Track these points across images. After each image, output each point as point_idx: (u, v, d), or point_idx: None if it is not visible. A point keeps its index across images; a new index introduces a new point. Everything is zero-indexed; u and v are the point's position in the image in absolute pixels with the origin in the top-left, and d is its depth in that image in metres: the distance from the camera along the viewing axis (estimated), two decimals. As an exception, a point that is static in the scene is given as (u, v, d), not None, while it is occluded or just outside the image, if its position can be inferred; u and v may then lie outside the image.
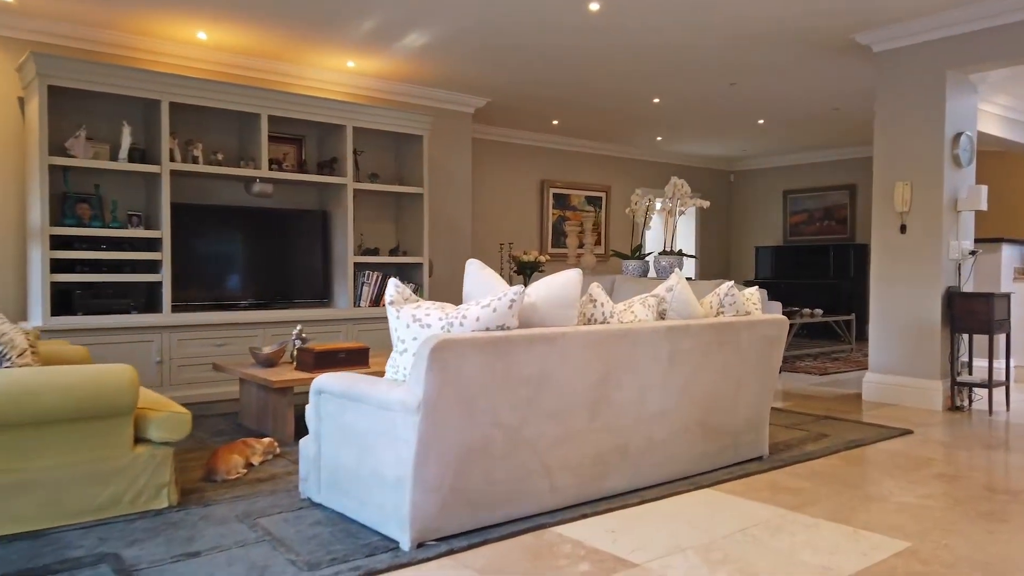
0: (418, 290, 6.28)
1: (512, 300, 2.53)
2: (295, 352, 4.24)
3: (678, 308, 3.25)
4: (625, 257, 6.33)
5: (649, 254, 6.36)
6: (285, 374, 3.96)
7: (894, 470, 3.54)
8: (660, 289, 3.29)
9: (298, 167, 5.89)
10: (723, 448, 3.45)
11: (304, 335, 4.42)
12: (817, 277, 10.25)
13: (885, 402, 5.33)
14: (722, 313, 3.46)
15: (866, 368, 6.94)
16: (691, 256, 6.28)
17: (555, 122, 8.49)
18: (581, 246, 6.88)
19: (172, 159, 5.09)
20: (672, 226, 6.20)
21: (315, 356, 3.96)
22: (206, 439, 4.04)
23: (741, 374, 3.45)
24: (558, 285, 2.76)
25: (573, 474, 2.85)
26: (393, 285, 2.61)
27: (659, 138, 9.55)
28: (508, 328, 2.56)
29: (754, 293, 3.70)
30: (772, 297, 10.98)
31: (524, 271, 7.92)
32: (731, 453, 3.50)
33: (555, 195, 9.64)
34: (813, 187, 10.81)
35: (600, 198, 10.15)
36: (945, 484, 3.31)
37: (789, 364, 7.28)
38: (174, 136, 5.13)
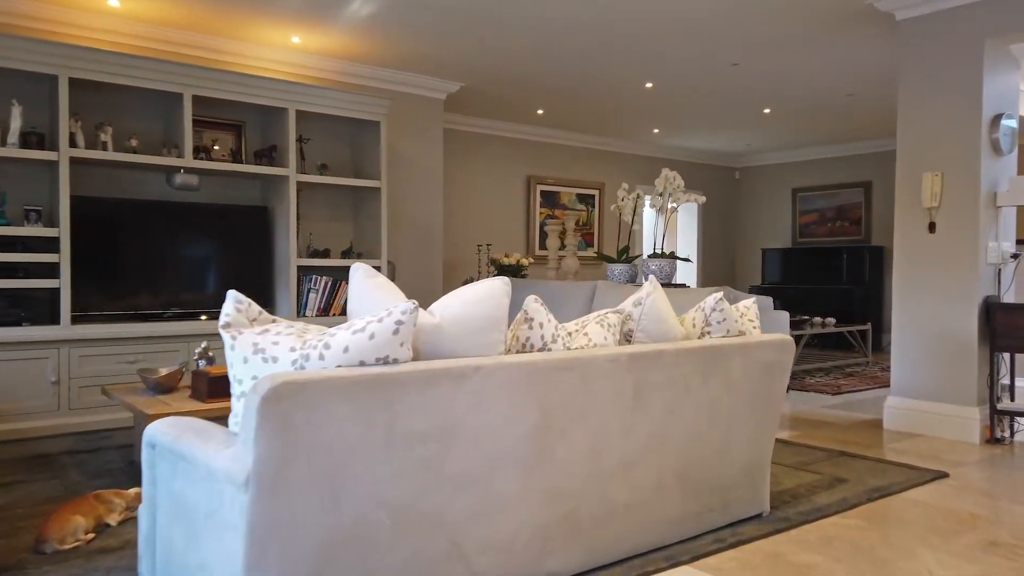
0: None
1: (398, 322, 1.78)
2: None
3: (649, 328, 2.48)
4: (610, 260, 5.57)
5: (636, 257, 5.60)
6: (174, 404, 3.22)
7: (930, 534, 2.77)
8: (627, 303, 2.53)
9: (236, 156, 5.16)
10: (709, 508, 2.68)
11: (211, 353, 3.68)
12: (829, 282, 9.45)
13: (910, 431, 4.54)
14: (708, 334, 2.70)
15: (885, 385, 6.14)
16: (684, 259, 5.51)
17: (540, 111, 7.73)
18: (563, 247, 6.11)
19: (74, 144, 4.36)
20: (663, 224, 5.44)
21: (209, 382, 3.21)
22: (82, 484, 3.30)
23: (733, 412, 2.69)
24: (474, 299, 2.01)
25: (501, 556, 2.09)
26: (232, 301, 1.86)
27: (656, 130, 8.78)
28: (395, 361, 1.81)
29: (750, 307, 2.93)
30: (780, 305, 10.20)
31: (504, 275, 7.18)
32: (720, 513, 2.73)
33: (543, 192, 8.88)
34: (825, 185, 10.00)
35: (593, 196, 9.39)
36: (1001, 558, 2.54)
37: (798, 381, 6.49)
38: (77, 118, 4.41)
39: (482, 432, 1.98)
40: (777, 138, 9.28)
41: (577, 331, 2.36)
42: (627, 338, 2.49)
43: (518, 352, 2.20)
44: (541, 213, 8.89)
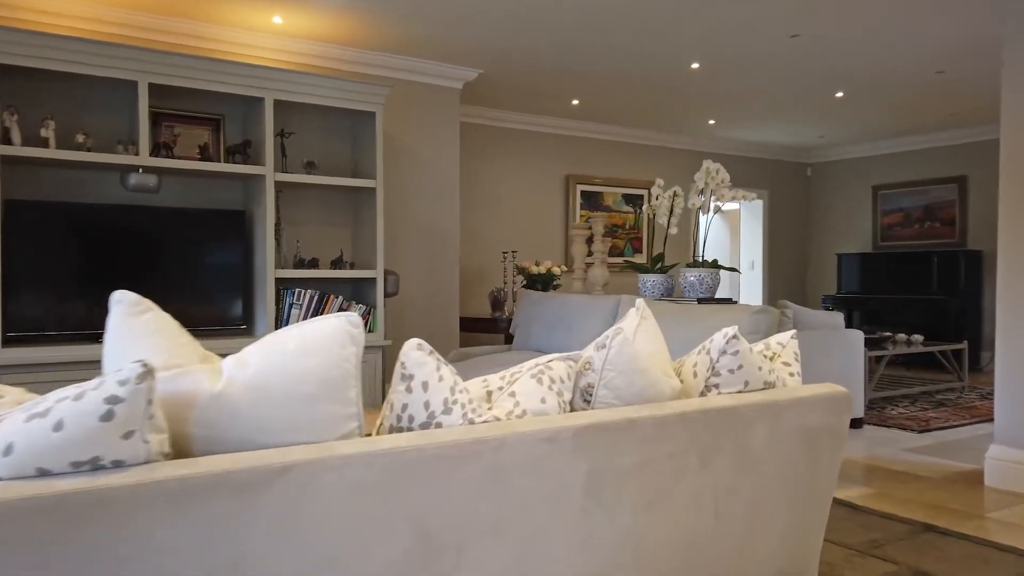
0: (370, 313, 4.84)
1: (113, 399, 1.03)
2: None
3: (617, 383, 1.66)
4: (642, 269, 4.72)
5: (674, 266, 4.73)
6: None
7: None
8: (589, 348, 1.71)
9: (206, 154, 4.56)
10: (720, 643, 1.83)
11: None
12: (917, 292, 8.25)
13: (1022, 492, 3.52)
14: (715, 388, 1.85)
15: (985, 419, 5.04)
16: (731, 269, 4.60)
17: (575, 102, 6.91)
18: (591, 255, 5.27)
19: (7, 141, 3.83)
20: (704, 226, 4.56)
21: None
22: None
23: (755, 502, 1.83)
24: (297, 348, 1.24)
25: None
26: None
27: (711, 121, 7.82)
28: (116, 465, 1.07)
29: (787, 344, 2.07)
30: (860, 318, 9.05)
31: (535, 286, 6.39)
32: (738, 648, 1.87)
33: (584, 193, 8.05)
34: (911, 181, 8.79)
35: (641, 196, 8.49)
36: None
37: (876, 412, 5.45)
38: (13, 111, 3.87)
39: (301, 574, 1.21)
40: (854, 128, 8.17)
41: (501, 390, 1.57)
42: (585, 398, 1.67)
43: (387, 432, 1.42)
44: (582, 216, 8.07)
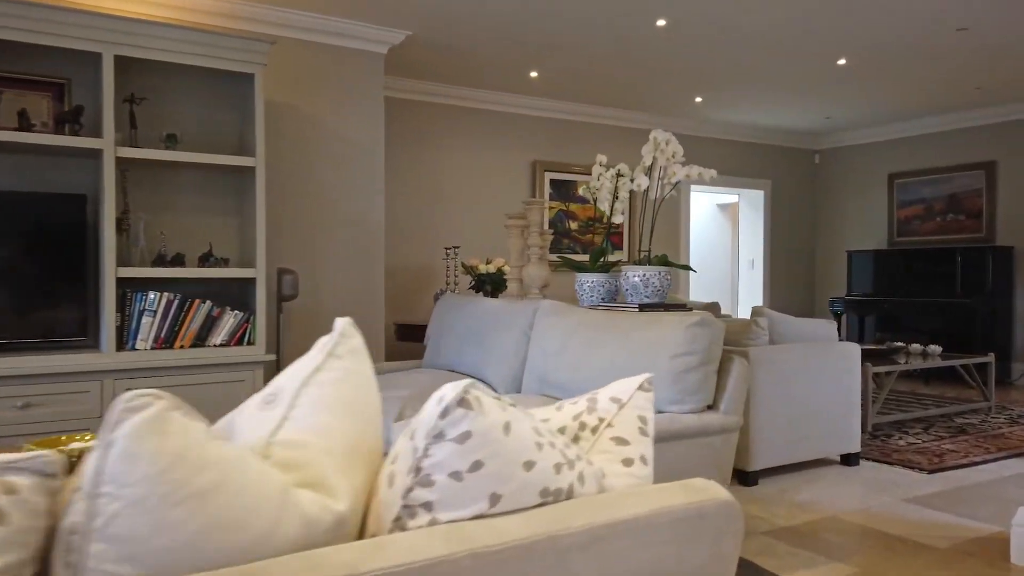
0: (250, 320, 3.96)
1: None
2: None
3: (128, 525, 0.74)
4: (579, 268, 3.79)
5: (616, 264, 3.79)
6: None
7: None
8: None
9: (29, 124, 3.71)
10: None
11: None
12: (938, 294, 7.20)
13: (1064, 578, 2.54)
14: (422, 514, 0.91)
15: (1014, 452, 4.03)
16: (684, 267, 3.63)
17: (533, 74, 5.98)
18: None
19: None
20: (651, 212, 3.61)
21: None
22: None
23: None
24: None
25: None
26: None
27: (698, 99, 6.84)
28: None
29: (628, 404, 1.12)
30: (874, 323, 8.01)
31: (484, 287, 5.50)
32: None
33: (553, 182, 7.12)
34: (931, 168, 7.74)
35: (622, 186, 7.52)
36: None
37: (880, 442, 4.46)
38: None
39: None
40: (864, 106, 7.14)
41: None
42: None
43: None
44: (551, 208, 7.14)
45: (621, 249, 7.53)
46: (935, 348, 5.58)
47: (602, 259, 3.78)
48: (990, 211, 7.26)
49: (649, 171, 3.58)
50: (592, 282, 3.72)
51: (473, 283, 5.54)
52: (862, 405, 4.86)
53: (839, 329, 7.96)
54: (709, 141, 8.00)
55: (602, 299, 3.73)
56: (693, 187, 8.12)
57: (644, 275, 3.43)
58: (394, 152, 6.22)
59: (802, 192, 8.79)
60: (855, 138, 8.36)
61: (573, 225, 7.25)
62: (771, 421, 3.64)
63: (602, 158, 3.76)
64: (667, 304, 3.45)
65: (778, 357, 3.68)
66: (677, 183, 3.53)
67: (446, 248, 5.64)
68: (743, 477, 3.60)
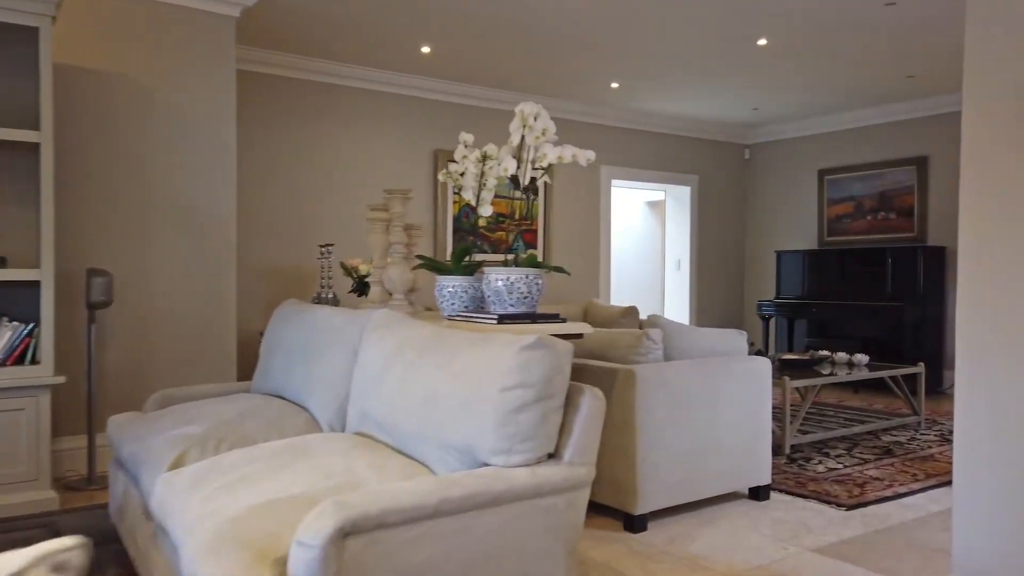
0: (34, 334, 3.20)
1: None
2: None
3: None
4: (440, 268, 3.14)
5: (479, 264, 3.16)
6: None
7: None
8: None
9: None
10: None
11: None
12: (868, 297, 6.79)
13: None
14: None
15: (943, 479, 3.51)
16: (557, 269, 3.00)
17: (424, 49, 5.32)
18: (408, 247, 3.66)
19: None
20: (528, 203, 3.00)
21: None
22: None
23: None
24: None
25: None
26: None
27: (614, 84, 6.28)
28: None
29: None
30: (806, 329, 7.57)
31: (364, 291, 4.83)
32: None
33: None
34: (862, 163, 7.34)
35: (534, 179, 6.91)
36: None
37: (797, 466, 3.93)
38: None
39: None
40: (793, 97, 6.68)
41: None
42: None
43: None
44: (456, 203, 6.49)
45: (535, 248, 6.93)
46: (861, 358, 5.11)
47: (467, 258, 3.14)
48: (921, 209, 6.88)
49: (518, 152, 2.96)
50: (453, 287, 3.08)
51: (354, 286, 4.86)
52: (779, 424, 4.34)
53: (767, 334, 7.51)
54: (631, 133, 7.46)
55: (465, 307, 3.10)
56: (616, 182, 7.57)
57: (508, 279, 2.80)
58: (260, 136, 5.49)
59: (731, 189, 8.33)
60: (785, 132, 7.93)
61: (480, 221, 6.60)
62: (664, 453, 3.06)
63: (467, 137, 3.13)
64: (536, 314, 2.83)
65: (673, 376, 3.10)
66: (549, 167, 2.91)
67: (320, 246, 4.94)
68: (629, 522, 3.00)
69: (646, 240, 9.46)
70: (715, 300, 8.18)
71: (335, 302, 4.71)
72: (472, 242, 6.58)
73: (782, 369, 4.87)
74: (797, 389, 4.41)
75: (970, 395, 2.28)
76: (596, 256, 7.32)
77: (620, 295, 9.15)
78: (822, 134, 7.65)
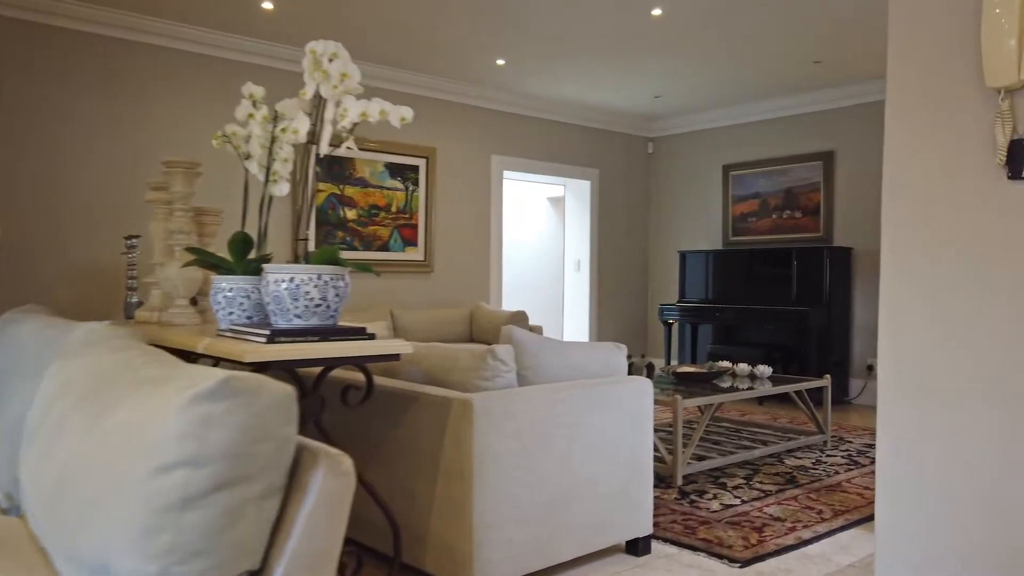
0: None
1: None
2: None
3: None
4: (217, 264, 2.35)
5: (267, 259, 2.38)
6: None
7: None
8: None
9: None
10: None
11: None
12: (773, 301, 6.34)
13: None
14: None
15: (856, 517, 2.93)
16: (365, 268, 2.26)
17: (266, 5, 4.49)
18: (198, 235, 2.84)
19: None
20: (303, 175, 2.26)
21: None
22: None
23: None
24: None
25: None
26: None
27: (500, 61, 5.59)
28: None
29: None
30: (713, 335, 7.08)
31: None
32: None
33: (320, 159, 5.63)
34: (768, 159, 6.91)
35: (416, 168, 6.17)
36: None
37: (689, 501, 3.31)
38: None
39: None
40: (696, 83, 6.15)
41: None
42: None
43: None
44: (320, 192, 5.66)
45: (415, 246, 6.17)
46: (764, 369, 4.58)
47: (252, 252, 2.36)
48: (828, 207, 6.48)
49: (315, 109, 2.20)
50: (231, 290, 2.29)
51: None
52: (670, 450, 3.73)
53: (669, 340, 6.98)
54: (524, 120, 6.80)
55: (248, 318, 2.32)
56: (509, 173, 6.89)
57: (292, 281, 2.04)
58: (54, 98, 4.54)
59: (634, 184, 7.79)
60: (689, 124, 7.44)
61: (351, 214, 5.81)
62: (511, 507, 2.35)
63: (254, 90, 2.34)
64: (332, 329, 2.08)
65: (525, 406, 2.40)
66: (354, 128, 2.16)
67: (125, 238, 4.04)
68: (463, 601, 2.28)
69: (549, 239, 8.83)
70: (617, 304, 7.62)
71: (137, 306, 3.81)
72: (341, 238, 5.77)
73: (677, 384, 4.28)
74: (701, 408, 3.82)
75: (896, 399, 1.66)
76: (487, 255, 6.63)
77: (517, 298, 8.50)
78: (727, 127, 7.19)
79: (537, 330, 6.04)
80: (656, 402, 3.71)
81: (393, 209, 6.03)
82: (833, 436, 4.81)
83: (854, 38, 4.92)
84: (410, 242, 6.14)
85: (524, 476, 2.39)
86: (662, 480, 3.67)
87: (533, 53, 5.34)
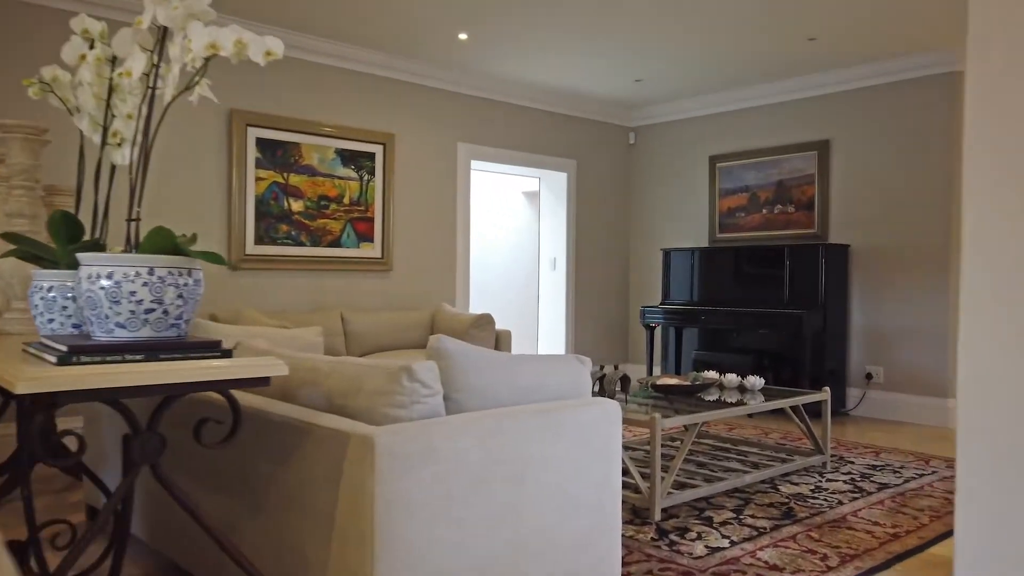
0: None
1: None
2: None
3: None
4: (37, 254, 1.77)
5: (101, 246, 1.80)
6: None
7: None
8: None
9: None
10: None
11: None
12: (764, 303, 5.81)
13: None
14: None
15: (867, 562, 2.38)
16: (214, 258, 1.70)
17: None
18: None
19: None
20: (142, 129, 1.68)
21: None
22: None
23: None
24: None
25: None
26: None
27: (462, 35, 5.03)
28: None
29: None
30: (699, 340, 6.55)
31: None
32: None
33: (262, 142, 5.05)
34: (758, 149, 6.38)
35: (372, 155, 5.59)
36: None
37: (668, 543, 2.75)
38: None
39: None
40: (680, 64, 5.61)
41: None
42: None
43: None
44: (261, 181, 5.07)
45: (371, 241, 5.59)
46: (755, 381, 4.04)
47: (83, 238, 1.77)
48: (823, 201, 5.96)
49: (159, 42, 1.62)
50: (51, 290, 1.71)
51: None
52: (647, 479, 3.18)
53: (651, 346, 6.44)
54: (493, 105, 6.24)
55: (76, 326, 1.74)
56: (477, 163, 6.32)
57: (111, 277, 1.46)
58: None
59: (614, 177, 7.25)
60: (673, 112, 6.90)
61: (296, 205, 5.22)
62: (432, 576, 1.78)
63: (90, 24, 1.76)
64: (166, 344, 1.50)
65: (452, 442, 1.83)
66: (206, 66, 1.59)
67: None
68: None
69: (524, 236, 8.27)
70: (596, 306, 7.07)
71: None
72: (285, 232, 5.18)
73: (657, 399, 3.73)
74: (676, 427, 3.28)
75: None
76: (452, 252, 6.06)
77: (487, 300, 7.92)
78: (713, 115, 6.65)
79: (505, 335, 5.47)
80: (631, 422, 3.16)
81: (346, 201, 5.44)
82: (832, 456, 4.28)
83: (857, 6, 4.39)
84: (365, 237, 5.55)
85: (451, 535, 1.82)
86: (637, 515, 3.12)
87: (498, 24, 4.77)
